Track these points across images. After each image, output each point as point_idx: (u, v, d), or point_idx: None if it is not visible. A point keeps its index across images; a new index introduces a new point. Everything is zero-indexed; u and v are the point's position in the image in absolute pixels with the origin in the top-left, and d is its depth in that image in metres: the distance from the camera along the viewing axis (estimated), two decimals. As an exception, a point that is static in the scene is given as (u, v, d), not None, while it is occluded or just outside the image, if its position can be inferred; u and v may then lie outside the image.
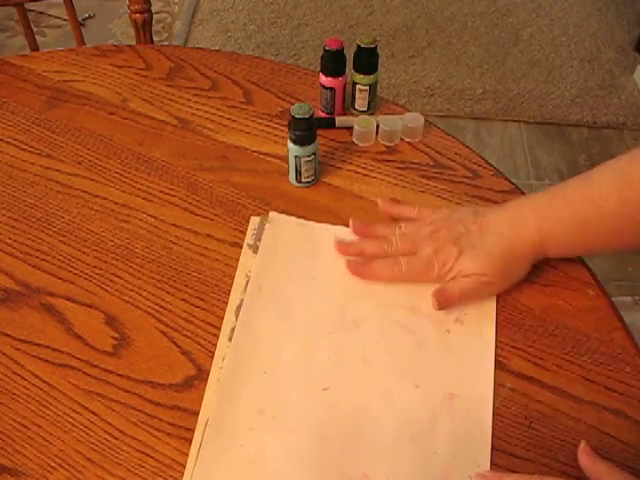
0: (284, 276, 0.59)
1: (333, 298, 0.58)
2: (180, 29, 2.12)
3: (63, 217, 0.65)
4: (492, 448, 0.49)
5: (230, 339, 0.55)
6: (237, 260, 0.61)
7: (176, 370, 0.53)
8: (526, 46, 2.10)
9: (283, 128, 0.74)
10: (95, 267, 0.60)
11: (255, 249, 0.62)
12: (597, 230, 0.55)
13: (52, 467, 0.48)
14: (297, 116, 0.62)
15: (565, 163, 1.78)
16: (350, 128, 0.73)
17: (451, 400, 0.51)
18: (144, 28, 1.04)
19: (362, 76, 0.73)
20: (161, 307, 0.57)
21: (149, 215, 0.65)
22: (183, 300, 0.58)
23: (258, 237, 0.63)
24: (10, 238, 0.63)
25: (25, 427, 0.50)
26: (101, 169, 0.69)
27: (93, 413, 0.51)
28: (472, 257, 0.56)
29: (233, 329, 0.56)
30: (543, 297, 0.58)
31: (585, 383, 0.53)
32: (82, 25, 2.04)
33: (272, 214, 0.65)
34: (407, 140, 0.73)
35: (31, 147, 0.72)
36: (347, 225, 0.63)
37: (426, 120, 0.73)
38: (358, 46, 0.71)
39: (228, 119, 0.76)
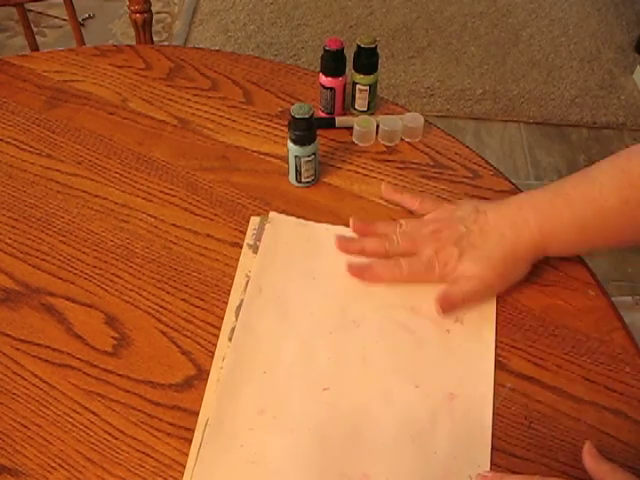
0: (284, 276, 0.59)
1: (333, 298, 0.58)
2: (180, 29, 2.12)
3: (63, 217, 0.65)
4: (492, 448, 0.49)
5: (230, 339, 0.55)
6: (237, 260, 0.61)
7: (176, 370, 0.53)
8: (526, 46, 2.10)
9: (283, 128, 0.74)
10: (95, 267, 0.60)
11: (255, 249, 0.62)
12: (598, 229, 0.55)
13: (52, 467, 0.48)
14: (297, 116, 0.62)
15: (565, 163, 1.78)
16: (350, 128, 0.73)
17: (451, 400, 0.51)
18: (144, 28, 1.04)
19: (362, 76, 0.73)
20: (161, 307, 0.57)
21: (149, 215, 0.65)
22: (183, 300, 0.58)
23: (258, 237, 0.63)
24: (10, 238, 0.63)
25: (25, 427, 0.50)
26: (101, 169, 0.69)
27: (93, 413, 0.51)
28: (473, 259, 0.56)
29: (233, 329, 0.56)
30: (543, 297, 0.58)
31: (585, 383, 0.53)
32: (82, 25, 2.04)
33: (272, 214, 0.65)
34: (407, 140, 0.73)
35: (31, 147, 0.72)
36: (347, 225, 0.63)
37: (426, 120, 0.73)
38: (358, 46, 0.71)
39: (228, 119, 0.76)
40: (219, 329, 0.56)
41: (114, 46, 0.86)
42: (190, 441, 0.49)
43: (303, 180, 0.67)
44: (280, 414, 0.50)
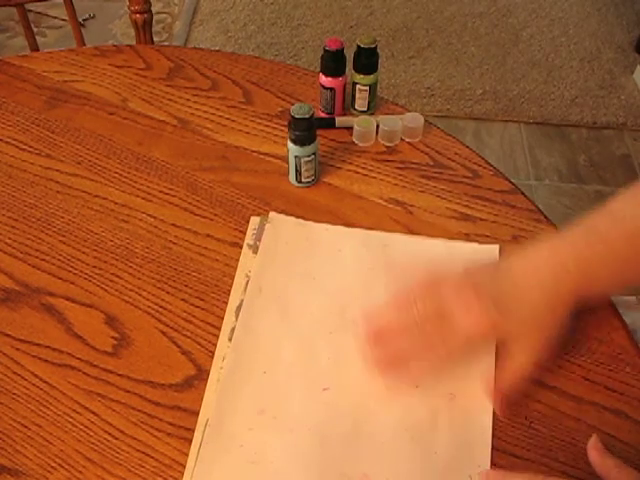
0: (284, 276, 0.59)
1: (333, 298, 0.58)
2: (180, 29, 2.12)
3: (63, 217, 0.64)
4: (492, 448, 0.49)
5: (230, 339, 0.55)
6: (237, 260, 0.61)
7: (176, 370, 0.53)
8: (526, 46, 2.10)
9: (283, 128, 0.74)
10: (95, 267, 0.60)
11: (255, 249, 0.61)
12: (637, 263, 0.52)
13: (52, 467, 0.48)
14: (297, 116, 0.62)
15: (565, 163, 1.78)
16: (350, 128, 0.73)
17: (451, 400, 0.51)
18: (144, 28, 1.04)
19: (362, 76, 0.73)
20: (161, 307, 0.57)
21: (149, 215, 0.65)
22: (183, 300, 0.58)
23: (258, 237, 0.63)
24: (10, 238, 0.63)
25: (25, 427, 0.50)
26: (101, 169, 0.69)
27: (93, 413, 0.51)
28: (517, 324, 0.51)
29: (233, 329, 0.56)
30: (543, 297, 0.58)
31: (585, 383, 0.53)
32: (82, 25, 2.04)
33: (272, 214, 0.65)
34: (407, 140, 0.73)
35: (31, 147, 0.72)
36: (347, 225, 0.63)
37: (426, 120, 0.73)
38: (358, 46, 0.71)
39: (228, 119, 0.76)
40: (219, 329, 0.56)
41: (114, 46, 0.86)
42: (190, 441, 0.49)
43: (303, 180, 0.67)
44: (280, 414, 0.50)
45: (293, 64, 0.85)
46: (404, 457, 0.48)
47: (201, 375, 0.53)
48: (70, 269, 0.60)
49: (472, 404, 0.51)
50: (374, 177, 0.69)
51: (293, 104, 0.63)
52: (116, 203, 0.66)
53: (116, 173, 0.69)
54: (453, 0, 2.26)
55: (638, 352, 0.55)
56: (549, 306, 0.51)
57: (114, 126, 0.74)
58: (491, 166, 0.71)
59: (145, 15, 1.03)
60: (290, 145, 0.64)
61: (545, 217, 0.65)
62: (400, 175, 0.69)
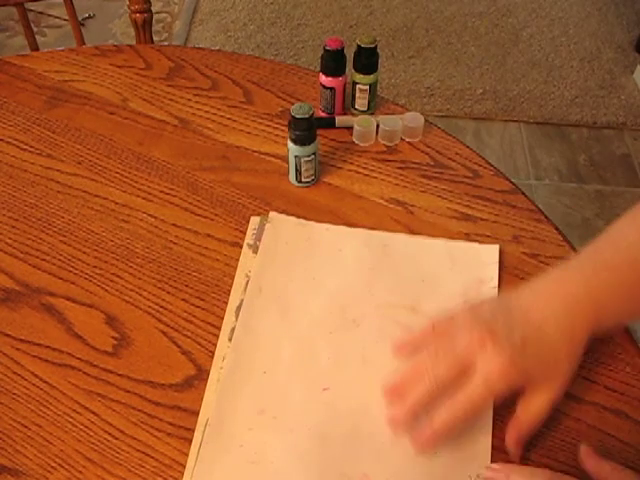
0: (284, 276, 0.59)
1: (333, 298, 0.58)
2: (180, 29, 2.12)
3: (63, 217, 0.64)
4: (492, 448, 0.49)
5: (230, 339, 0.55)
6: (237, 260, 0.61)
7: (176, 370, 0.53)
8: (526, 46, 2.10)
9: (283, 128, 0.74)
10: (95, 267, 0.60)
11: (255, 249, 0.62)
12: None
13: (52, 467, 0.48)
14: (297, 116, 0.62)
15: (565, 163, 1.78)
16: (350, 128, 0.73)
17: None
18: (144, 28, 1.04)
19: (362, 76, 0.73)
20: (161, 307, 0.57)
21: (149, 215, 0.65)
22: (183, 300, 0.58)
23: (258, 237, 0.63)
24: (10, 238, 0.63)
25: (25, 427, 0.50)
26: (101, 169, 0.69)
27: (93, 413, 0.51)
28: (534, 364, 0.48)
29: (233, 329, 0.56)
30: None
31: (585, 383, 0.53)
32: (82, 25, 2.04)
33: (272, 214, 0.65)
34: (407, 140, 0.73)
35: (31, 147, 0.72)
36: (347, 225, 0.63)
37: (426, 120, 0.73)
38: (358, 46, 0.71)
39: (228, 119, 0.76)
40: (219, 329, 0.56)
41: (114, 46, 0.86)
42: (190, 441, 0.49)
43: (303, 180, 0.67)
44: (280, 414, 0.50)
45: (293, 64, 0.85)
46: (404, 457, 0.48)
47: (201, 375, 0.53)
48: (70, 269, 0.60)
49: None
50: (374, 177, 0.69)
51: (293, 104, 0.63)
52: (117, 203, 0.66)
53: (117, 173, 0.69)
54: (453, 0, 2.26)
55: (638, 352, 0.55)
56: (566, 341, 0.48)
57: (114, 126, 0.74)
58: (491, 166, 0.71)
59: (145, 14, 1.03)
60: (290, 145, 0.64)
61: (545, 217, 0.66)
62: (401, 175, 0.69)
